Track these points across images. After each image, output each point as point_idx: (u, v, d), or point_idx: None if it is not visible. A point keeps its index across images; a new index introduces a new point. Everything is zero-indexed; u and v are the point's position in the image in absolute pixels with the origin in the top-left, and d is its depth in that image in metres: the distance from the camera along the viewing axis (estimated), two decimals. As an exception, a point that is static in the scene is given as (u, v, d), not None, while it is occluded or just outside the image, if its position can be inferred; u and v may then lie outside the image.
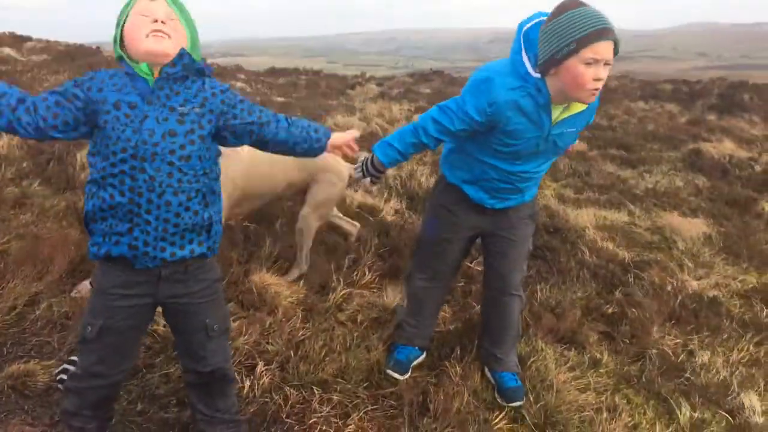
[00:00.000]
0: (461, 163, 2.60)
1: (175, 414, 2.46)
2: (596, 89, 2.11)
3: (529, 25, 2.24)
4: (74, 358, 2.51)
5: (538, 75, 2.19)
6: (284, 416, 2.49)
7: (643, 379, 2.95)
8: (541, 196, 6.12)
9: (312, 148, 2.09)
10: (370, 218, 4.60)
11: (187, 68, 1.82)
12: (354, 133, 2.19)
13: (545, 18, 2.18)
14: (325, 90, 15.29)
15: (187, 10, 1.85)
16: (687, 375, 3.01)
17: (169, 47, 1.77)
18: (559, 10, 2.09)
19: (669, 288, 3.90)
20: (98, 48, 16.01)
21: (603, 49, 2.04)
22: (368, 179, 2.59)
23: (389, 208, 4.83)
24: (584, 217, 5.30)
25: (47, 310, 3.03)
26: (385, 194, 5.34)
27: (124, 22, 1.79)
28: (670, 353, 3.17)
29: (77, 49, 14.86)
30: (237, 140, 1.98)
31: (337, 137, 2.14)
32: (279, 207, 4.50)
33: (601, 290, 3.84)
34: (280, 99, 11.85)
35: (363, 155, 2.59)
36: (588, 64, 2.06)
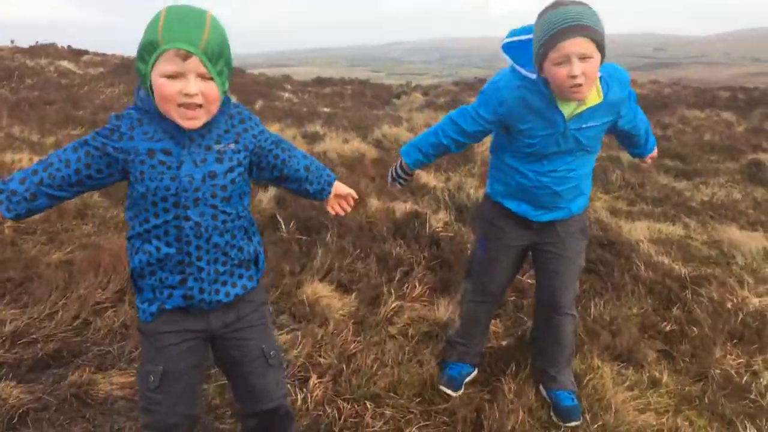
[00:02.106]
0: (498, 176, 2.63)
1: (230, 425, 2.50)
2: (576, 85, 2.11)
3: (507, 40, 2.38)
4: None
5: (534, 76, 2.25)
6: (337, 430, 2.50)
7: (706, 400, 2.85)
8: (592, 209, 6.01)
9: (322, 190, 2.05)
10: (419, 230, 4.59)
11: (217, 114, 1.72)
12: (354, 194, 2.13)
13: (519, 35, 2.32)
14: (371, 100, 15.38)
15: (226, 50, 1.63)
16: (752, 396, 2.89)
17: (201, 117, 1.63)
18: (539, 16, 2.15)
19: (729, 305, 3.76)
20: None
21: (569, 45, 2.05)
22: (397, 183, 2.73)
23: (438, 220, 4.81)
24: (638, 231, 5.17)
25: (108, 319, 3.12)
26: (434, 206, 5.33)
27: (153, 64, 1.57)
28: (733, 373, 3.06)
29: (131, 62, 15.31)
30: (260, 174, 1.92)
31: (340, 186, 2.09)
32: (329, 218, 4.54)
33: (658, 306, 3.73)
34: (326, 109, 11.98)
35: None
36: (558, 64, 2.09)
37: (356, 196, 2.15)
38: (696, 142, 10.06)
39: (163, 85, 1.55)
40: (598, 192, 6.81)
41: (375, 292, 3.63)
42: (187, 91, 1.55)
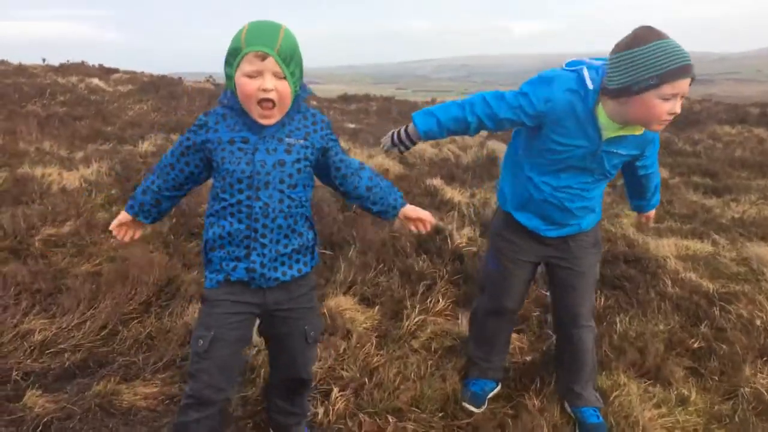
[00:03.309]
0: (510, 184, 2.60)
1: (253, 437, 2.51)
2: (668, 121, 2.11)
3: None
4: None
5: (592, 87, 2.20)
6: (359, 444, 2.49)
7: (736, 419, 2.78)
8: (619, 225, 5.94)
9: (386, 212, 2.19)
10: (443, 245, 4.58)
11: (290, 110, 1.96)
12: (431, 219, 2.24)
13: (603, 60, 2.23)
14: (396, 116, 15.42)
15: (297, 55, 1.89)
16: (784, 417, 2.82)
17: (275, 116, 1.91)
18: (640, 40, 2.03)
19: (758, 322, 3.68)
20: (180, 78, 16.77)
21: (683, 85, 2.03)
22: (396, 148, 2.54)
23: (462, 236, 4.79)
24: (665, 247, 5.09)
25: (135, 330, 3.16)
26: (458, 221, 5.32)
27: (237, 65, 1.84)
28: (764, 392, 2.98)
29: (160, 80, 15.60)
30: (323, 177, 2.17)
31: (410, 209, 2.21)
32: (351, 234, 4.55)
33: (685, 323, 3.66)
34: (351, 125, 12.05)
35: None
36: (666, 99, 2.04)
37: (432, 221, 2.24)
38: (726, 158, 9.91)
39: (245, 84, 1.83)
40: (625, 209, 6.72)
41: (398, 306, 3.62)
42: (264, 87, 1.82)
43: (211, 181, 2.07)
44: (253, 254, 1.97)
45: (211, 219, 2.02)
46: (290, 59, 1.85)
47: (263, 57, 1.81)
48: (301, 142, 1.98)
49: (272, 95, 1.84)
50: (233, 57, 1.85)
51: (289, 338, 2.18)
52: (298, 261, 2.08)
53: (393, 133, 2.53)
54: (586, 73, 2.24)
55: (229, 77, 1.88)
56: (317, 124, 2.04)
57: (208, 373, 2.01)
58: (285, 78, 1.85)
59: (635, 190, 2.75)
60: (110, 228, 2.22)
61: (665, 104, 2.05)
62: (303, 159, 1.99)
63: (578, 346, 2.67)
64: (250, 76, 1.83)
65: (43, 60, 16.85)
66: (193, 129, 1.99)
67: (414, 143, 2.51)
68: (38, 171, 5.68)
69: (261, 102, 1.85)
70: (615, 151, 2.33)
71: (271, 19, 1.85)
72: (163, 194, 2.10)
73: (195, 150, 1.99)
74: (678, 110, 2.07)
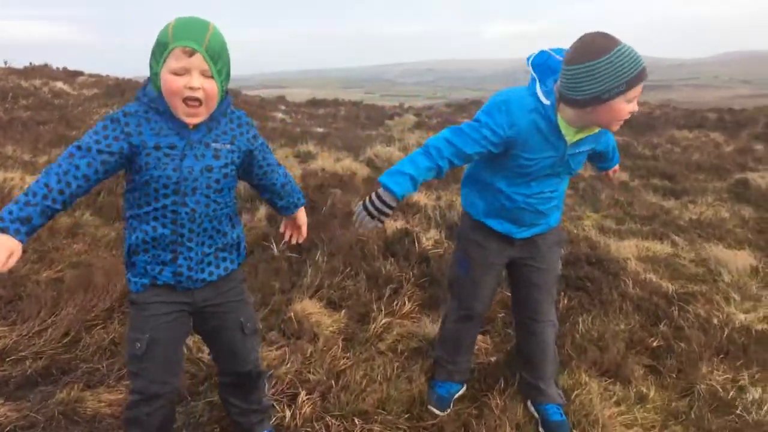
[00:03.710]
0: (477, 196, 2.61)
1: (219, 441, 2.50)
2: (624, 120, 2.23)
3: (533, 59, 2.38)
4: None
5: (548, 103, 2.26)
6: (326, 446, 2.50)
7: (693, 416, 2.87)
8: (581, 227, 6.06)
9: (287, 208, 2.32)
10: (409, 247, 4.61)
11: (216, 113, 1.93)
12: (304, 231, 2.42)
13: (559, 55, 2.27)
14: (364, 121, 15.47)
15: (225, 53, 1.86)
16: (738, 412, 2.91)
17: (201, 114, 1.86)
18: (602, 50, 2.06)
19: (715, 321, 3.79)
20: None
21: (641, 86, 2.13)
22: (375, 221, 2.31)
23: (429, 238, 4.84)
24: (626, 249, 5.22)
25: (98, 336, 3.12)
26: (425, 224, 5.36)
27: (164, 61, 1.79)
28: (720, 389, 3.08)
29: (126, 83, 15.37)
30: (245, 176, 2.16)
31: (301, 214, 2.38)
32: (319, 237, 4.56)
33: (645, 323, 3.75)
34: (320, 129, 12.05)
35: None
36: (629, 101, 2.14)
37: (304, 235, 2.43)
38: (684, 162, 10.16)
39: (170, 80, 1.79)
40: (587, 211, 6.86)
41: (364, 309, 3.65)
42: (191, 85, 1.78)
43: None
44: (179, 258, 1.96)
45: (133, 222, 1.96)
46: (218, 57, 1.82)
47: (191, 53, 1.77)
48: (228, 146, 1.97)
49: (199, 94, 1.81)
50: (159, 52, 1.80)
51: (223, 331, 2.17)
52: (224, 260, 2.09)
53: (365, 206, 2.32)
54: (539, 90, 2.28)
55: (155, 74, 1.83)
56: (243, 126, 2.03)
57: (150, 371, 2.00)
58: (212, 77, 1.82)
59: (598, 160, 2.85)
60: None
61: (628, 106, 2.15)
62: (230, 163, 1.98)
63: (542, 341, 2.73)
64: (176, 73, 1.78)
65: (5, 62, 16.48)
66: (112, 134, 1.82)
67: (393, 208, 2.30)
68: (0, 175, 5.57)
69: (186, 100, 1.81)
70: (578, 151, 2.42)
71: (198, 16, 1.86)
72: (46, 205, 1.73)
73: (113, 155, 1.82)
74: (636, 108, 2.19)
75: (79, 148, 1.81)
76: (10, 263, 1.66)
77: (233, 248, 2.13)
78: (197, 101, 1.82)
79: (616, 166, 2.98)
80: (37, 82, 13.56)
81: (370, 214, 2.30)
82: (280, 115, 14.51)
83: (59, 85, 13.69)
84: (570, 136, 2.33)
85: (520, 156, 2.36)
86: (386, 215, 2.30)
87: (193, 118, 1.85)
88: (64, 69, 17.20)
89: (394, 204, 2.29)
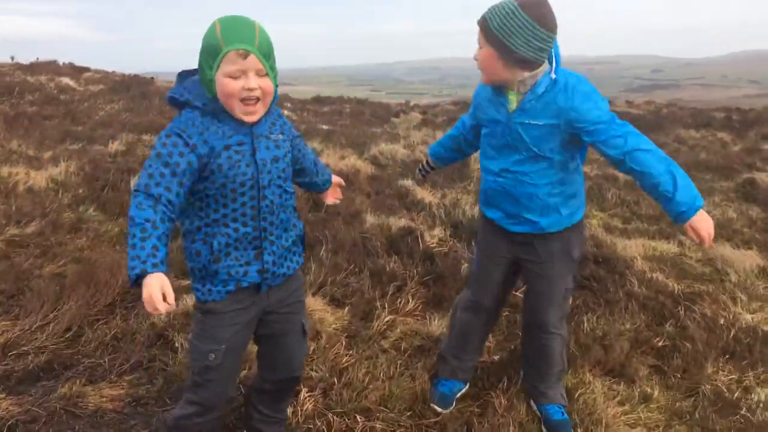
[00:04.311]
0: (481, 182, 2.72)
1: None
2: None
3: None
4: None
5: None
6: (327, 443, 2.49)
7: (697, 416, 2.84)
8: (588, 226, 6.03)
9: (326, 181, 2.41)
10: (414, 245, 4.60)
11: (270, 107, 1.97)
12: (341, 181, 2.53)
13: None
14: (370, 118, 15.44)
15: (273, 49, 1.88)
16: (743, 412, 2.88)
17: (259, 111, 1.88)
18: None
19: (722, 321, 3.76)
20: (152, 78, 16.58)
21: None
22: (419, 173, 3.09)
23: (433, 236, 4.82)
24: (633, 248, 5.18)
25: (100, 331, 3.12)
26: (429, 222, 5.35)
27: (218, 66, 1.77)
28: (725, 389, 3.06)
29: (132, 79, 15.39)
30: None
31: (336, 177, 2.48)
32: (323, 234, 4.55)
33: (651, 322, 3.73)
34: (325, 127, 12.03)
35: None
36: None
37: (343, 184, 2.53)
38: (691, 161, 10.09)
39: (227, 84, 1.78)
40: (593, 210, 6.83)
41: (368, 307, 3.63)
42: (249, 86, 1.79)
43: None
44: (264, 254, 1.96)
45: (206, 231, 1.89)
46: (269, 54, 1.83)
47: (245, 55, 1.76)
48: (281, 136, 2.01)
49: (257, 93, 1.82)
50: (212, 57, 1.77)
51: (287, 335, 2.16)
52: (296, 253, 2.12)
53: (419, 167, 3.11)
54: None
55: (210, 81, 1.80)
56: (282, 117, 2.07)
57: (218, 383, 2.01)
58: (267, 74, 1.83)
59: (644, 186, 2.29)
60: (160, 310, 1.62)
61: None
62: (288, 152, 2.02)
63: (545, 351, 2.69)
64: (233, 76, 1.78)
65: (12, 58, 16.53)
66: (178, 149, 1.78)
67: (431, 166, 3.05)
68: (4, 170, 5.58)
69: (244, 100, 1.81)
70: (529, 122, 2.34)
71: (241, 15, 1.84)
72: (165, 233, 1.72)
73: (191, 172, 1.79)
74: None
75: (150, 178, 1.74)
76: (168, 299, 1.61)
77: (301, 241, 2.15)
78: (255, 99, 1.83)
79: (700, 218, 2.16)
80: (43, 78, 13.60)
81: (419, 171, 3.11)
82: (285, 113, 14.47)
83: (65, 80, 13.73)
84: (513, 99, 2.36)
85: (480, 118, 2.56)
86: (425, 170, 3.08)
87: (252, 116, 1.86)
88: (71, 65, 17.24)
89: (432, 164, 3.05)
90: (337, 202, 2.55)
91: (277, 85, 1.91)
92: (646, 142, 2.27)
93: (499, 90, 2.39)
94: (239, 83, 1.78)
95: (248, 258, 1.94)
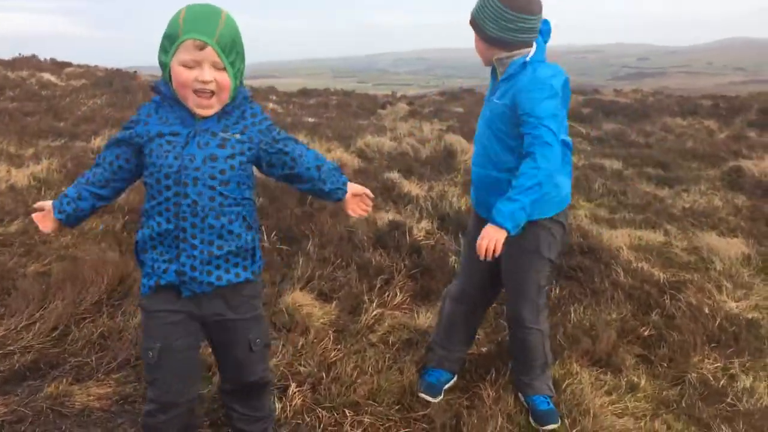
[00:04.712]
0: None
1: (208, 435, 2.48)
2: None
3: None
4: None
5: None
6: (316, 438, 2.49)
7: (683, 404, 2.87)
8: (574, 216, 6.05)
9: (337, 189, 2.10)
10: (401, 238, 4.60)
11: (229, 105, 1.87)
12: (369, 192, 2.17)
13: None
14: (356, 110, 15.38)
15: (239, 44, 1.80)
16: (729, 400, 2.92)
17: (214, 106, 1.82)
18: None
19: (707, 310, 3.79)
20: (135, 72, 16.43)
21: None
22: None
23: (420, 229, 4.82)
24: (619, 238, 5.21)
25: (86, 330, 3.09)
26: (416, 214, 5.34)
27: (174, 53, 1.75)
28: (710, 377, 3.09)
29: (114, 74, 15.25)
30: (270, 170, 2.02)
31: (353, 185, 2.15)
32: (309, 228, 4.54)
33: (637, 312, 3.75)
34: (311, 119, 11.98)
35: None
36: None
37: (372, 195, 2.18)
38: (678, 150, 10.14)
39: (180, 73, 1.74)
40: (580, 200, 6.85)
41: (356, 301, 3.63)
42: (202, 78, 1.74)
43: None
44: (182, 256, 1.85)
45: (143, 219, 1.92)
46: (230, 48, 1.76)
47: (201, 46, 1.71)
48: (237, 136, 1.87)
49: (211, 86, 1.76)
50: (169, 44, 1.75)
51: (233, 347, 2.05)
52: (236, 265, 1.94)
53: None
54: None
55: (164, 65, 1.78)
56: (256, 116, 1.93)
57: (164, 381, 1.96)
58: (224, 69, 1.77)
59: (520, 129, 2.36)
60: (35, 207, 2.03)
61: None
62: (239, 154, 1.87)
63: (525, 346, 2.70)
64: (187, 65, 1.74)
65: (-7, 53, 16.32)
66: (128, 126, 1.89)
67: None
68: (-15, 168, 5.51)
69: (198, 91, 1.76)
70: (495, 101, 2.46)
71: (210, 3, 1.79)
72: (88, 189, 1.94)
73: (127, 144, 1.88)
74: None
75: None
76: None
77: (247, 253, 1.97)
78: (209, 93, 1.77)
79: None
80: (24, 73, 13.45)
81: None
82: (270, 106, 14.40)
83: (47, 76, 13.59)
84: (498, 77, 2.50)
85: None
86: None
87: (205, 109, 1.81)
88: (52, 60, 17.07)
89: None
90: (364, 215, 2.21)
91: (239, 82, 1.84)
92: (541, 158, 2.22)
93: (494, 72, 2.53)
94: (193, 73, 1.74)
95: (171, 256, 1.87)
